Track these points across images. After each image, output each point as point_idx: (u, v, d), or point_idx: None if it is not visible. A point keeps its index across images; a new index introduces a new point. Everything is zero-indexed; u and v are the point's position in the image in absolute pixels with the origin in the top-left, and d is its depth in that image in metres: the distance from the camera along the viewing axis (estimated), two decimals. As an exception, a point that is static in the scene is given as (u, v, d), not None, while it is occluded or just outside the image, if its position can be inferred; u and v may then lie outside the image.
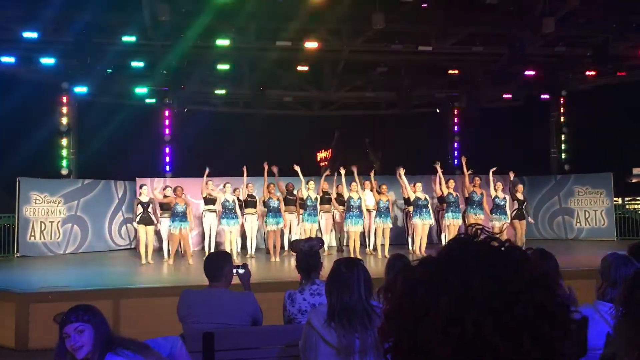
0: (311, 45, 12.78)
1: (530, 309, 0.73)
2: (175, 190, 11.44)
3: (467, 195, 11.75)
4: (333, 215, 12.68)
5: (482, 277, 0.74)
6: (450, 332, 0.71)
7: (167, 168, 16.17)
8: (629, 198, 17.07)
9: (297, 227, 12.15)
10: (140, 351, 2.61)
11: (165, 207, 11.53)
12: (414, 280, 0.79)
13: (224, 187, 11.70)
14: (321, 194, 12.32)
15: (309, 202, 11.79)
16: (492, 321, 0.71)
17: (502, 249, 0.80)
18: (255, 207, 12.04)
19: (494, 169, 11.91)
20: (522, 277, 0.75)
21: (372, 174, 12.37)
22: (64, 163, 14.49)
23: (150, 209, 11.39)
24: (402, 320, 0.77)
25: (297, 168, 11.88)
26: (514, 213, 11.97)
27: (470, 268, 0.75)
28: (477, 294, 0.73)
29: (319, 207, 12.12)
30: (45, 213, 13.13)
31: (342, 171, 12.00)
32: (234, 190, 11.96)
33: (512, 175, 12.32)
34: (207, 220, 11.85)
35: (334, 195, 12.48)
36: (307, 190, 11.90)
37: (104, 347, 2.60)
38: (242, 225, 11.99)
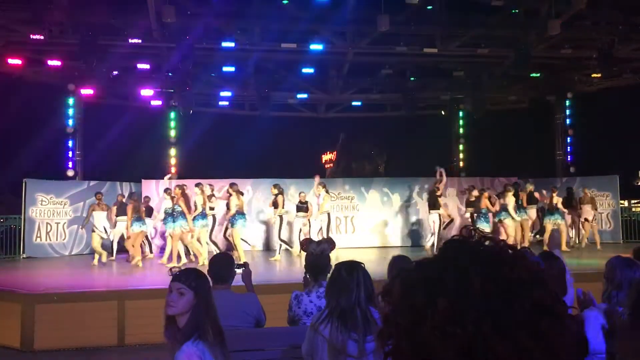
0: (316, 47, 12.79)
1: (528, 306, 0.73)
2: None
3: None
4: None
5: (479, 276, 0.74)
6: (450, 333, 0.71)
7: (173, 169, 16.16)
8: (635, 201, 16.98)
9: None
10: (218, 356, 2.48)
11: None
12: (411, 282, 0.79)
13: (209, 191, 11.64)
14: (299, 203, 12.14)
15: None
16: (492, 320, 0.71)
17: (497, 248, 0.80)
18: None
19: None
20: (519, 275, 0.75)
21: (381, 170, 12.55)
22: (70, 164, 14.52)
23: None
24: (401, 323, 0.77)
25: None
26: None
27: (467, 268, 0.75)
28: (476, 293, 0.73)
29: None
30: (51, 214, 13.16)
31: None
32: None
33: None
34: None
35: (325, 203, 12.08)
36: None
37: (199, 322, 2.48)
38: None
